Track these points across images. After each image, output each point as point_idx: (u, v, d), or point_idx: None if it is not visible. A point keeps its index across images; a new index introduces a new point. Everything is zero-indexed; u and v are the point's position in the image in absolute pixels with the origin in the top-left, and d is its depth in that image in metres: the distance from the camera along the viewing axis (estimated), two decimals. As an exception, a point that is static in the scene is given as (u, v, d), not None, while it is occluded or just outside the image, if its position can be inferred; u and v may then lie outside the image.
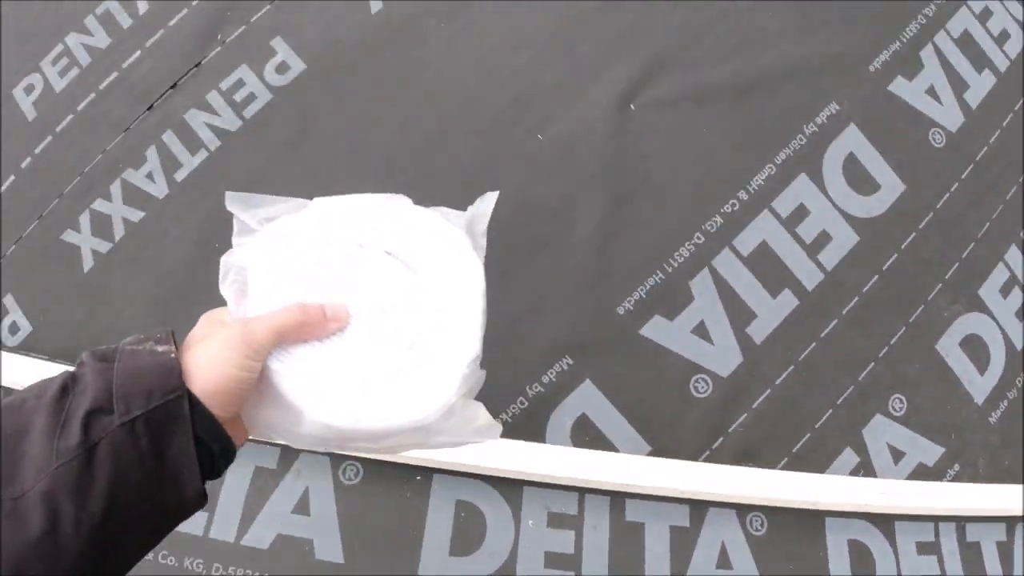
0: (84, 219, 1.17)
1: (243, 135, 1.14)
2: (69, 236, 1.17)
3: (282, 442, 0.55)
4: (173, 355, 0.46)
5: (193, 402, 0.45)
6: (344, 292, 0.52)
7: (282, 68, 1.17)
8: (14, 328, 1.21)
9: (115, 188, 1.17)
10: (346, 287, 0.52)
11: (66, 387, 0.44)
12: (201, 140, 1.15)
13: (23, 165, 1.25)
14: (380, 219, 0.55)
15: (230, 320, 0.51)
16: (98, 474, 0.41)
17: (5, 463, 0.40)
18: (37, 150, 1.24)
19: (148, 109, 1.19)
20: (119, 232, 1.16)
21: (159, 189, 1.15)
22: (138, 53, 1.22)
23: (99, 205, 1.17)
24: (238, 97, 1.16)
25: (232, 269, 0.52)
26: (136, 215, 1.15)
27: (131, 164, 1.18)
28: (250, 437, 0.53)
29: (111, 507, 0.42)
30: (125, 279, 1.13)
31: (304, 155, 1.12)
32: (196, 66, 1.19)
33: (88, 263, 1.16)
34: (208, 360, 0.47)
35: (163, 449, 0.44)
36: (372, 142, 1.13)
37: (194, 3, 1.22)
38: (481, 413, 0.54)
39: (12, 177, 1.26)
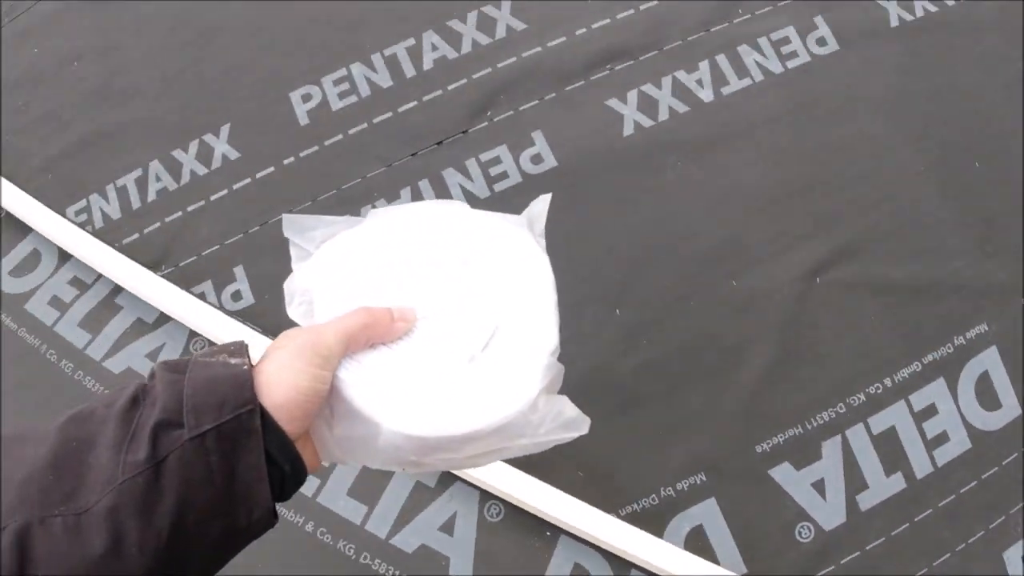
0: (326, 229, 1.36)
1: (488, 204, 1.33)
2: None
3: (357, 466, 0.49)
4: (246, 367, 0.45)
5: (265, 417, 0.43)
6: (410, 295, 0.51)
7: (536, 159, 1.35)
8: (237, 296, 1.40)
9: (364, 211, 1.36)
10: (412, 290, 0.52)
11: (136, 398, 0.42)
12: (450, 195, 1.33)
13: (285, 162, 1.44)
14: (439, 223, 0.55)
15: (294, 332, 0.49)
16: (165, 491, 0.39)
17: (69, 476, 0.38)
18: (302, 154, 1.43)
19: (412, 155, 1.38)
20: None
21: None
22: (414, 103, 1.41)
23: (344, 221, 1.36)
24: (493, 171, 1.35)
25: (296, 292, 0.53)
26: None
27: (384, 196, 1.37)
28: (323, 464, 0.50)
29: (178, 526, 0.39)
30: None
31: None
32: (463, 132, 1.37)
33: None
34: (278, 372, 0.45)
35: (234, 466, 0.42)
36: (587, 246, 1.31)
37: (474, 77, 1.41)
38: (567, 406, 0.50)
39: (271, 168, 1.45)
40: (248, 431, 0.42)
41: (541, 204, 0.59)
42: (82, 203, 1.53)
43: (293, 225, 0.55)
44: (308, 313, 0.53)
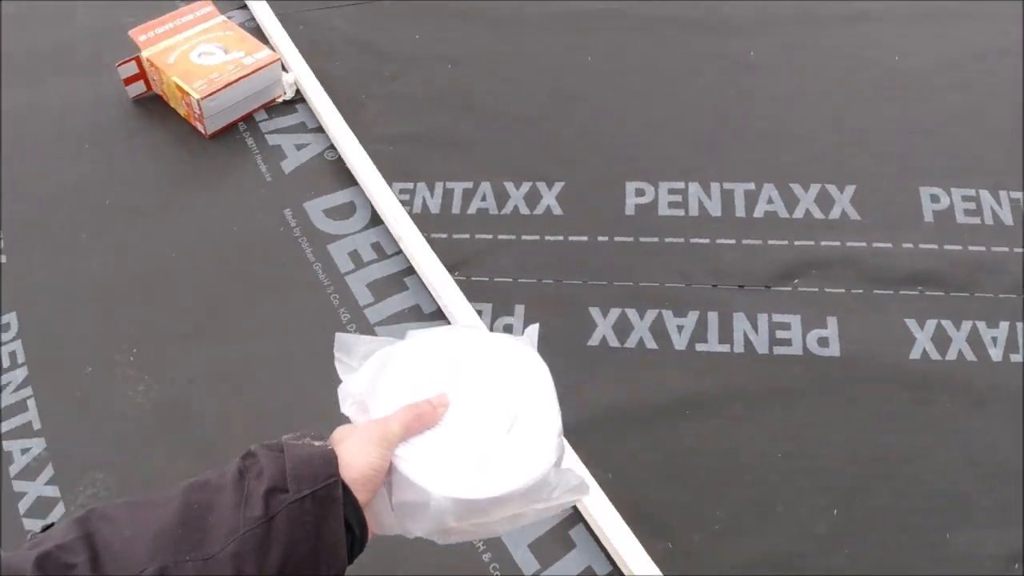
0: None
1: (763, 362, 1.40)
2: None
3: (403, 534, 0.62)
4: (330, 447, 0.57)
5: (344, 488, 0.54)
6: (446, 389, 0.65)
7: (823, 342, 1.40)
8: (507, 328, 1.51)
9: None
10: (447, 387, 0.65)
11: (242, 471, 0.54)
12: (732, 338, 1.42)
13: (600, 238, 1.58)
14: (464, 341, 0.69)
15: (361, 425, 0.62)
16: (275, 542, 0.50)
17: (195, 530, 0.49)
18: (617, 238, 1.56)
19: (712, 286, 1.48)
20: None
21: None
22: (732, 241, 1.52)
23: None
24: (778, 334, 1.38)
25: (349, 395, 0.65)
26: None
27: (672, 309, 1.47)
28: (377, 533, 0.61)
29: (282, 571, 0.50)
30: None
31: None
32: (765, 287, 1.47)
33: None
34: (351, 454, 0.56)
35: (321, 525, 0.52)
36: (829, 448, 1.35)
37: (796, 243, 1.50)
38: (573, 475, 0.64)
39: (585, 237, 1.58)
40: (334, 498, 0.53)
41: (534, 331, 0.73)
42: (409, 185, 1.72)
43: (342, 345, 0.67)
44: (359, 412, 0.65)
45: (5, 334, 1.57)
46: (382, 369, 0.66)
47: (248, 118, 1.89)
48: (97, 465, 1.39)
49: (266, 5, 2.14)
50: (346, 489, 0.55)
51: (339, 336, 0.68)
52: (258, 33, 2.08)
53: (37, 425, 1.45)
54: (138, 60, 1.88)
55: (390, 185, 1.71)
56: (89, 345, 1.54)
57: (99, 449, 1.42)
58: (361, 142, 1.78)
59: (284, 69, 1.92)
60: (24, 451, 1.42)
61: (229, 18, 2.01)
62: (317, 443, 0.58)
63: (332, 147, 1.82)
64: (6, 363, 1.53)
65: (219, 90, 1.76)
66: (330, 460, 0.55)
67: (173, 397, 1.46)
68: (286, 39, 2.01)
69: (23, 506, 1.36)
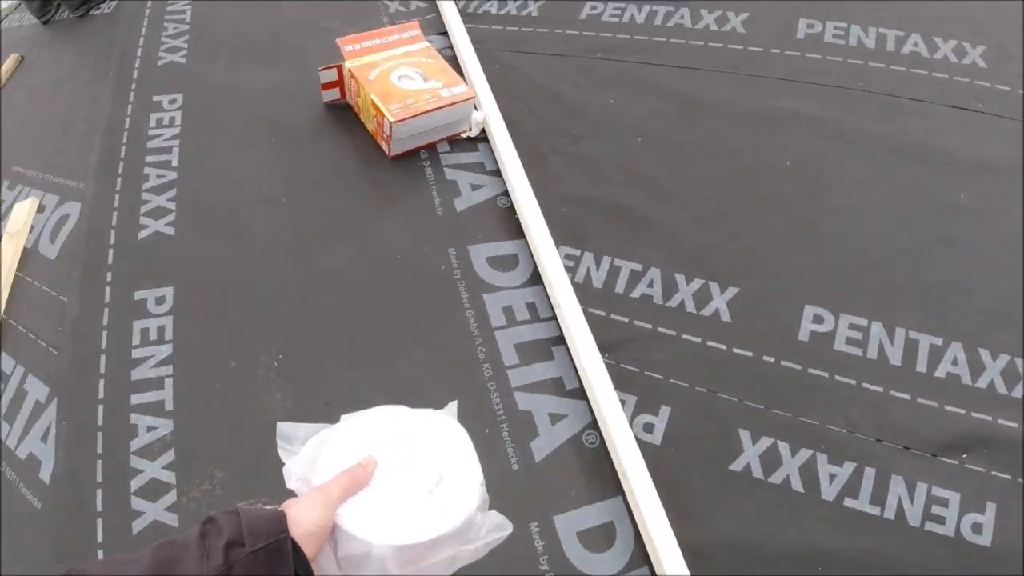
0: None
1: (915, 540, 1.30)
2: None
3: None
4: (280, 509, 0.66)
5: (293, 543, 0.63)
6: (378, 457, 0.74)
7: (976, 528, 1.30)
8: (648, 428, 1.46)
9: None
10: (379, 455, 0.74)
11: (203, 533, 0.62)
12: (885, 494, 1.32)
13: (765, 357, 1.50)
14: (392, 417, 0.80)
15: (306, 491, 0.71)
16: None
17: None
18: (784, 362, 1.48)
19: (877, 440, 1.38)
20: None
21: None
22: (907, 397, 1.42)
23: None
24: (934, 510, 1.31)
25: (293, 474, 0.74)
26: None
27: (827, 454, 1.38)
28: None
29: None
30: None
31: None
32: (931, 455, 1.36)
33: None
34: (298, 514, 0.66)
35: (272, 573, 0.61)
36: None
37: (976, 415, 1.39)
38: (495, 515, 0.74)
39: (750, 353, 1.51)
40: (284, 552, 0.61)
41: (454, 407, 0.84)
42: (576, 252, 1.69)
43: (282, 432, 0.77)
44: (304, 486, 0.73)
45: (159, 306, 1.61)
46: (320, 449, 0.76)
47: (431, 147, 1.91)
48: (218, 461, 1.40)
49: (467, 39, 2.16)
50: (295, 544, 0.63)
51: (280, 425, 0.78)
52: (454, 63, 2.10)
53: (169, 406, 1.47)
54: (339, 68, 1.93)
55: (557, 247, 1.68)
56: (238, 340, 1.57)
57: (223, 446, 1.42)
58: (537, 196, 1.77)
59: (475, 107, 1.92)
60: (150, 429, 1.44)
61: (430, 43, 2.03)
62: (269, 507, 0.67)
63: (506, 194, 1.81)
64: (153, 336, 1.57)
65: (413, 117, 1.78)
66: (280, 519, 0.64)
67: (306, 414, 1.46)
68: (481, 77, 2.03)
69: (136, 483, 1.37)
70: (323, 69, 1.92)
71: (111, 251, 1.69)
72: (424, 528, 0.69)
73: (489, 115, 1.93)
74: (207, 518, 0.65)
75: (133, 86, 2.05)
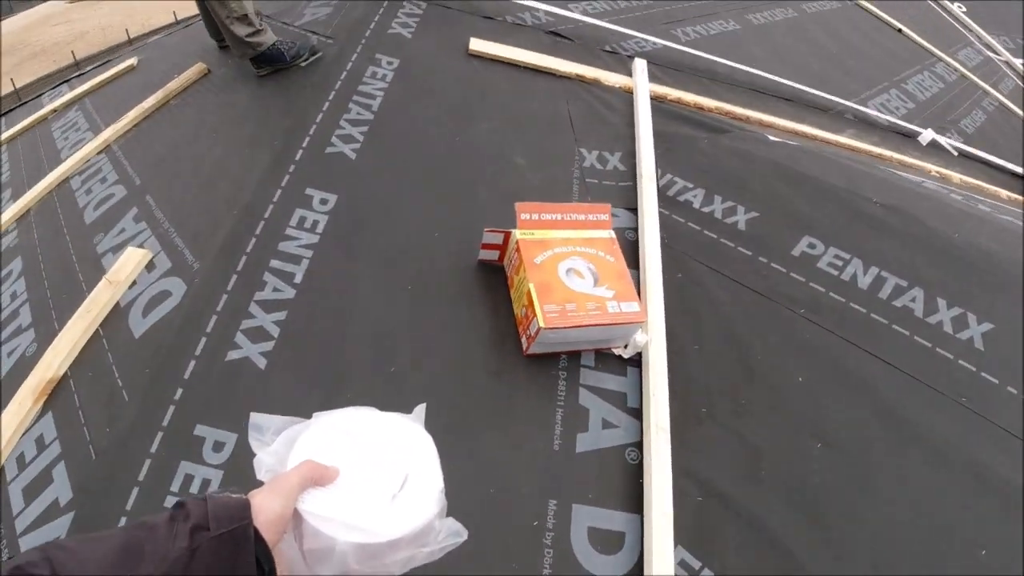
0: None
1: None
2: None
3: None
4: (245, 498, 0.70)
5: (255, 530, 0.68)
6: (344, 459, 0.78)
7: None
8: None
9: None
10: (348, 455, 0.78)
11: (173, 516, 0.67)
12: None
13: None
14: (362, 418, 0.83)
15: (268, 481, 0.74)
16: (198, 567, 0.64)
17: (134, 556, 0.62)
18: None
19: None
20: None
21: None
22: None
23: None
24: None
25: (263, 465, 0.77)
26: None
27: None
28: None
29: None
30: None
31: None
32: None
33: None
34: (260, 504, 0.70)
35: (236, 559, 0.66)
36: None
37: None
38: (452, 521, 0.80)
39: None
40: (247, 537, 0.67)
41: (422, 410, 0.88)
42: (695, 561, 1.34)
43: (255, 422, 0.80)
44: (273, 476, 0.75)
45: (216, 454, 1.39)
46: (291, 444, 0.78)
47: (574, 353, 1.62)
48: None
49: (657, 230, 1.88)
50: (257, 532, 0.68)
51: (253, 416, 0.80)
52: (633, 253, 1.82)
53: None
54: (507, 235, 1.68)
55: (676, 546, 1.35)
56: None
57: None
58: (674, 467, 1.44)
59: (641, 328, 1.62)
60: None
61: (614, 234, 1.75)
62: (235, 495, 0.70)
63: (638, 446, 1.49)
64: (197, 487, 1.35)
65: (566, 328, 1.50)
66: (244, 507, 0.69)
67: None
68: (658, 290, 1.73)
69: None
70: (489, 231, 1.68)
71: (189, 371, 1.48)
72: (386, 529, 0.73)
73: (653, 342, 1.62)
74: (177, 503, 0.69)
75: (291, 168, 1.88)
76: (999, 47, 5.25)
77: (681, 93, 2.58)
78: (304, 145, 1.95)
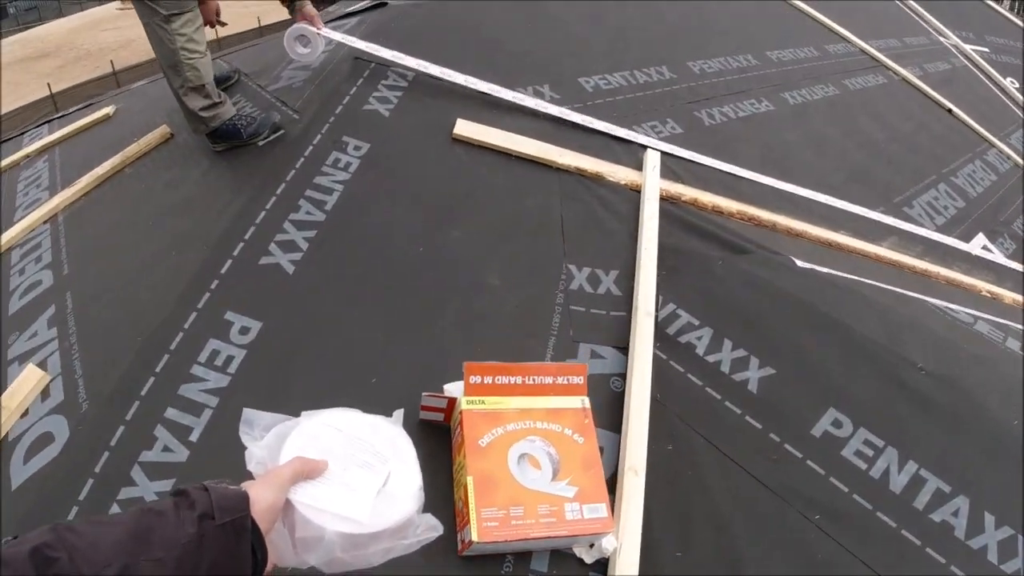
0: None
1: None
2: None
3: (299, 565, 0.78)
4: (244, 490, 0.77)
5: (252, 520, 0.75)
6: (336, 451, 0.86)
7: None
8: None
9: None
10: (336, 452, 0.86)
11: (178, 503, 0.72)
12: None
13: None
14: (348, 419, 0.91)
15: (261, 474, 0.82)
16: (205, 552, 0.70)
17: (144, 542, 0.67)
18: None
19: None
20: None
21: None
22: None
23: None
24: None
25: (254, 458, 0.84)
26: None
27: None
28: (277, 564, 0.79)
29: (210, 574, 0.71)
30: None
31: None
32: None
33: None
34: (256, 495, 0.77)
35: (235, 547, 0.72)
36: None
37: None
38: (429, 518, 0.88)
39: None
40: (245, 527, 0.73)
41: (400, 415, 0.97)
42: None
43: (246, 417, 0.87)
44: (260, 470, 0.83)
45: None
46: (282, 439, 0.85)
47: (523, 555, 1.29)
48: None
49: (647, 389, 1.55)
50: (254, 521, 0.74)
51: (246, 411, 0.87)
52: (617, 413, 1.49)
53: None
54: (451, 403, 1.35)
55: None
56: None
57: None
58: None
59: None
60: None
61: (586, 404, 1.42)
62: (232, 487, 0.77)
63: None
64: None
65: (508, 541, 1.17)
66: (244, 498, 0.75)
67: None
68: (638, 486, 1.39)
69: None
70: (429, 395, 1.35)
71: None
72: (372, 521, 0.81)
73: (624, 549, 1.29)
74: (179, 490, 0.74)
75: (214, 284, 1.58)
76: (1056, 129, 4.84)
77: (698, 193, 2.25)
78: (235, 253, 1.64)
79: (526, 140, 2.16)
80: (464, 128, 2.12)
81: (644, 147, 2.37)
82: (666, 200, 2.15)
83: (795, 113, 3.02)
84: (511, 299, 1.72)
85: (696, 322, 1.76)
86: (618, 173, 2.19)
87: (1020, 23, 6.53)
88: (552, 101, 2.42)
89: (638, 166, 2.27)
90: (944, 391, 1.61)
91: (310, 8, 2.26)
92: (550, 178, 2.09)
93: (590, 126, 2.36)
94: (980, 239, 3.03)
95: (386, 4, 2.71)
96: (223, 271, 1.61)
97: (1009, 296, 2.78)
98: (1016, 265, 3.05)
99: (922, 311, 2.01)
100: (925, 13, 5.24)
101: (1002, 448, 1.52)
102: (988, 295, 2.72)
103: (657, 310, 1.78)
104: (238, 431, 0.86)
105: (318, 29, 2.26)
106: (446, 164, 2.02)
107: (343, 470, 0.83)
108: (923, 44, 4.68)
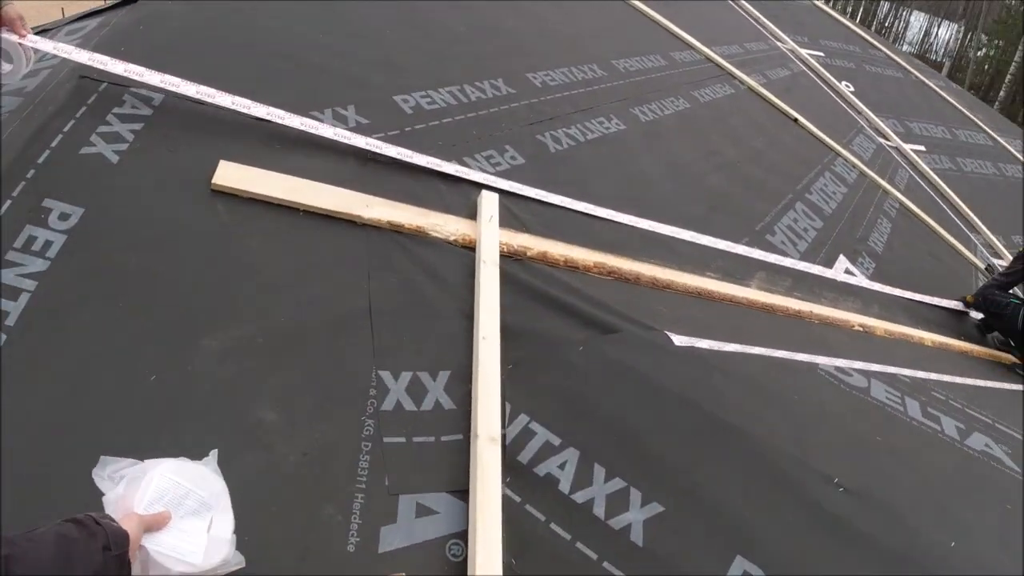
0: None
1: None
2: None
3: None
4: (124, 528, 0.86)
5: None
6: (173, 501, 0.96)
7: None
8: None
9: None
10: (173, 497, 0.97)
11: (81, 532, 0.82)
12: None
13: None
14: (181, 467, 1.01)
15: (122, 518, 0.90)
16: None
17: (67, 560, 0.79)
18: None
19: None
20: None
21: None
22: None
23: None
24: None
25: (110, 503, 0.93)
26: None
27: None
28: None
29: None
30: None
31: None
32: None
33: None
34: (130, 535, 0.87)
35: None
36: None
37: None
38: (239, 555, 1.00)
39: None
40: (127, 561, 0.85)
41: (215, 455, 1.04)
42: None
43: (101, 464, 0.96)
44: (115, 513, 0.91)
45: None
46: (135, 486, 0.95)
47: None
48: None
49: None
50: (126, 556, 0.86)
51: (103, 458, 0.97)
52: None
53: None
54: None
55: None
56: None
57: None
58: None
59: None
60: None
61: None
62: (114, 524, 0.86)
63: None
64: None
65: None
66: (126, 536, 0.85)
67: None
68: None
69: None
70: None
71: None
72: (205, 560, 0.94)
73: None
74: (75, 519, 0.83)
75: None
76: (889, 131, 4.92)
77: (547, 244, 1.80)
78: None
79: (320, 187, 1.61)
80: (228, 174, 1.54)
81: (479, 186, 1.89)
82: (509, 257, 1.69)
83: (648, 132, 2.66)
84: (293, 449, 1.19)
85: (556, 441, 1.31)
86: (446, 226, 1.69)
87: (851, 26, 6.74)
88: (358, 128, 1.88)
89: (472, 213, 1.79)
90: (866, 512, 1.25)
91: (12, 9, 1.59)
92: (354, 241, 1.56)
93: (409, 161, 1.84)
94: (842, 262, 2.84)
95: (136, 0, 2.05)
96: None
97: (881, 327, 2.59)
98: (878, 287, 2.90)
99: (815, 383, 1.68)
100: (761, 17, 5.17)
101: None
102: (860, 329, 2.51)
103: (504, 427, 1.31)
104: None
105: (21, 37, 1.59)
106: (198, 233, 1.43)
107: (180, 518, 0.95)
108: (763, 50, 4.57)
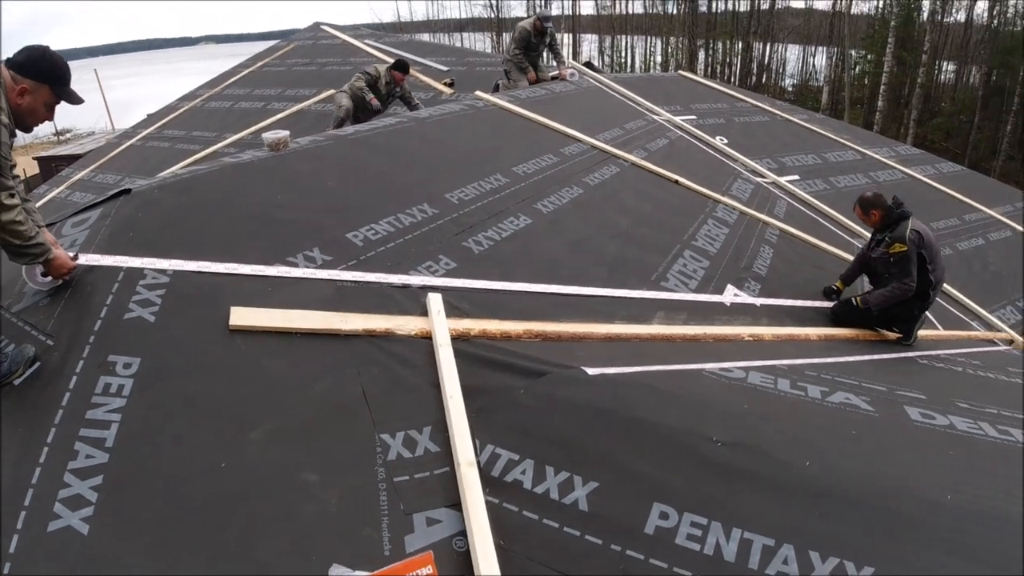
0: None
1: None
2: None
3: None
4: None
5: None
6: None
7: None
8: None
9: None
10: None
11: None
12: None
13: None
14: None
15: None
16: None
17: None
18: None
19: None
20: None
21: None
22: None
23: None
24: None
25: None
26: None
27: None
28: None
29: None
30: None
31: None
32: None
33: None
34: None
35: None
36: None
37: None
38: None
39: None
40: None
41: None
42: None
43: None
44: None
45: None
46: None
47: None
48: None
49: (488, 531, 1.55)
50: None
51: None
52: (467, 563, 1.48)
53: None
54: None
55: None
56: None
57: None
58: None
59: None
60: None
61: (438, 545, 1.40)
62: None
63: None
64: None
65: None
66: None
67: None
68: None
69: None
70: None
71: None
72: None
73: None
74: None
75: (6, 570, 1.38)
76: (764, 170, 5.70)
77: (484, 323, 2.36)
78: (20, 527, 1.45)
79: (306, 314, 2.15)
80: (241, 317, 2.07)
81: (426, 289, 2.45)
82: (458, 339, 2.23)
83: (551, 221, 3.29)
84: (332, 495, 1.67)
85: (516, 456, 1.82)
86: (407, 325, 2.24)
87: (716, 85, 7.68)
88: (324, 264, 2.44)
89: (424, 311, 2.34)
90: (741, 455, 1.78)
91: (47, 234, 2.12)
92: (341, 349, 2.09)
93: (369, 280, 2.40)
94: (730, 290, 3.44)
95: (129, 191, 2.59)
96: (12, 550, 1.41)
97: (769, 333, 3.18)
98: (762, 301, 3.50)
99: (702, 382, 2.24)
100: (635, 96, 6.00)
101: (802, 492, 1.71)
102: (750, 338, 3.09)
103: (478, 455, 1.82)
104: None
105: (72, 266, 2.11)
106: (227, 362, 1.95)
107: None
108: (641, 126, 5.34)
